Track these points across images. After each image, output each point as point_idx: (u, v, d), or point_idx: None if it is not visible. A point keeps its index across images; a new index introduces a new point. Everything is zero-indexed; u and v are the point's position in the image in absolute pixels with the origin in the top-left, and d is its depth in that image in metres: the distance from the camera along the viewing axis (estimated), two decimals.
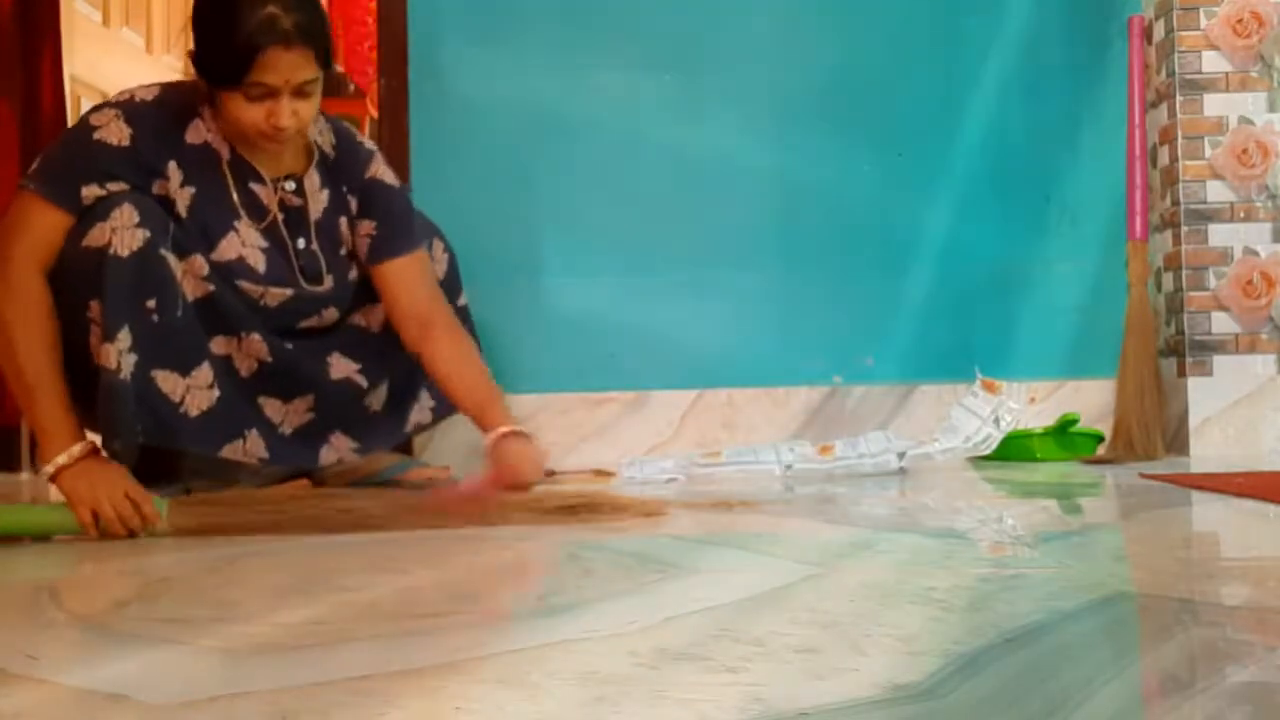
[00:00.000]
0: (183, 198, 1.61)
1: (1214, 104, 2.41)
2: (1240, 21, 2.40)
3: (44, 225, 1.54)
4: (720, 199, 2.59)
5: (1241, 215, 2.40)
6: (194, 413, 1.57)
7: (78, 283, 1.52)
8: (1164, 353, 2.48)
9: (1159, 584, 0.92)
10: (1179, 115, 2.41)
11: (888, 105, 2.61)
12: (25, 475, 2.81)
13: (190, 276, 1.59)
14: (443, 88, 2.57)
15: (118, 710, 0.62)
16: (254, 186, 1.67)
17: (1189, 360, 2.38)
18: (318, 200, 1.73)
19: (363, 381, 1.79)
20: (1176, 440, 2.42)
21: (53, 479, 1.45)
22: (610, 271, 2.59)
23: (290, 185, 1.70)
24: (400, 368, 1.83)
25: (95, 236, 1.51)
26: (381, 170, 1.79)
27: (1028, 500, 1.66)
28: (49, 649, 0.78)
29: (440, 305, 1.78)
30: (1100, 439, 2.36)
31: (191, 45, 1.61)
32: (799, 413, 2.55)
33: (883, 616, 0.80)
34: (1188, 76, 2.41)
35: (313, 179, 1.72)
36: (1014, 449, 2.28)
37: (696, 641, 0.73)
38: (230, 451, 1.62)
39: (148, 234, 1.52)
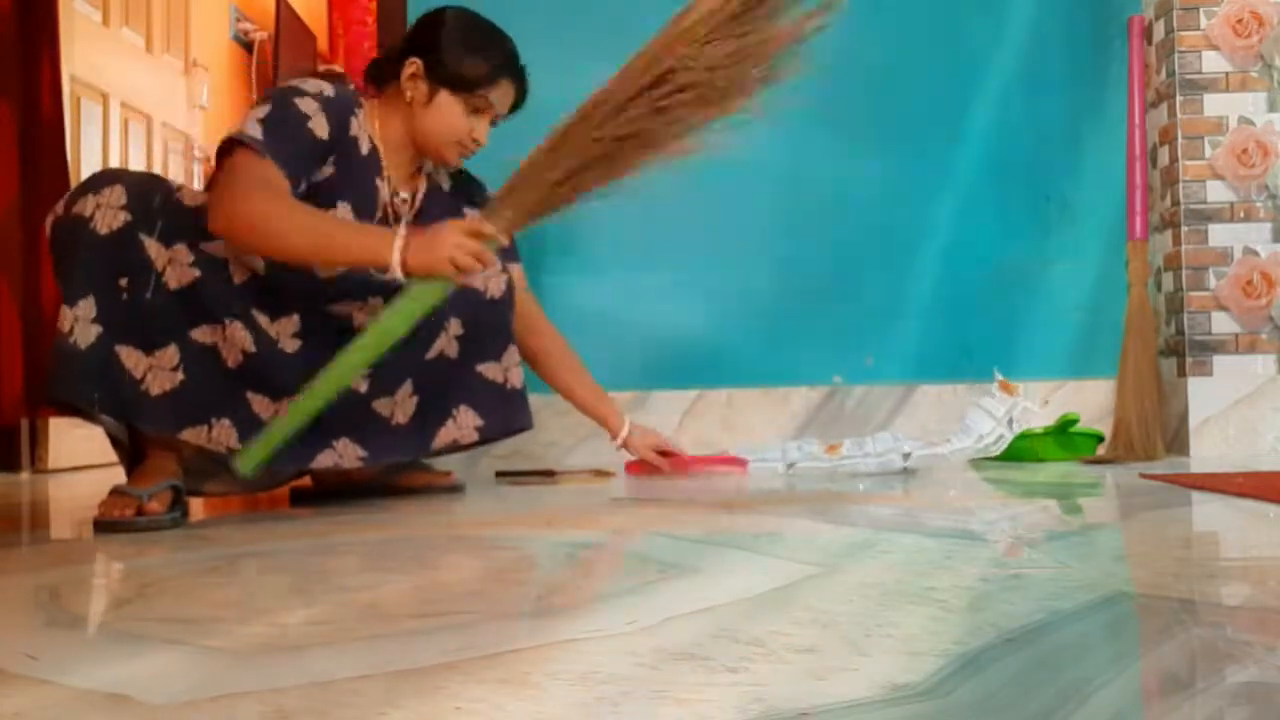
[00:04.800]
0: (325, 172, 1.71)
1: (1214, 104, 2.41)
2: (1240, 21, 2.40)
3: (270, 175, 1.59)
4: (720, 198, 2.59)
5: (1241, 215, 2.40)
6: (155, 391, 1.58)
7: (61, 247, 1.57)
8: (1164, 353, 2.48)
9: (1159, 584, 0.92)
10: (1179, 115, 2.41)
11: (888, 105, 2.61)
12: (25, 475, 2.81)
13: (176, 264, 1.60)
14: None
15: (118, 710, 0.62)
16: (377, 181, 1.80)
17: (1189, 360, 2.38)
18: (420, 215, 1.86)
19: (363, 387, 1.78)
20: (1176, 440, 2.42)
21: (403, 270, 1.55)
22: (610, 270, 2.59)
23: (404, 195, 1.85)
24: (436, 385, 1.83)
25: (81, 206, 1.56)
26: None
27: (1028, 500, 1.66)
28: (49, 649, 0.78)
29: (539, 310, 2.08)
30: (1100, 439, 2.36)
31: (416, 53, 1.79)
32: (799, 413, 2.55)
33: (883, 616, 0.80)
34: (1188, 76, 2.41)
35: (420, 193, 1.88)
36: (1014, 449, 2.28)
37: (696, 641, 0.73)
38: (192, 435, 1.60)
39: (129, 218, 1.56)
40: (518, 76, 1.85)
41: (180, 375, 1.60)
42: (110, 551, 1.33)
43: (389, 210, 1.82)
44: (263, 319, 1.68)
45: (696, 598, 0.89)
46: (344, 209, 1.74)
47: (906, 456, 2.10)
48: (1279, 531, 1.25)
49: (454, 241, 1.55)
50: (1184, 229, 2.40)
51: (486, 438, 1.88)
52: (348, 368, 1.58)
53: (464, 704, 0.61)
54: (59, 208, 1.58)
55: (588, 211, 2.61)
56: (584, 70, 2.65)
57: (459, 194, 1.96)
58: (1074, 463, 2.25)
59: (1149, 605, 0.84)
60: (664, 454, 2.14)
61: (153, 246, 1.58)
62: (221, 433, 1.63)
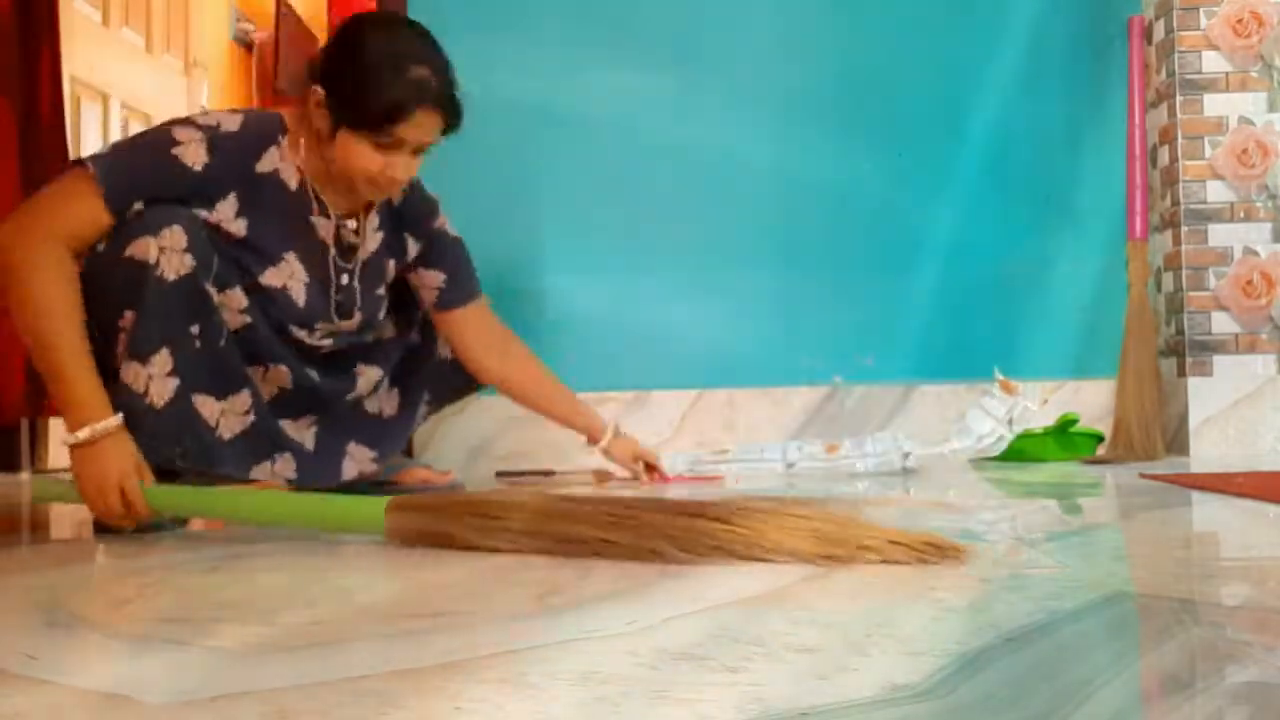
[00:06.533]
0: (236, 227, 1.58)
1: (1214, 104, 2.41)
2: (1240, 21, 2.40)
3: (85, 215, 1.46)
4: (721, 198, 2.59)
5: (1241, 215, 2.40)
6: (226, 436, 1.58)
7: (114, 288, 1.46)
8: (1164, 353, 2.48)
9: (1159, 584, 0.92)
10: (1179, 115, 2.41)
11: (889, 105, 2.61)
12: (25, 475, 2.81)
13: (227, 309, 1.58)
14: None
15: (118, 710, 0.62)
16: (314, 219, 1.65)
17: (1189, 360, 2.38)
18: (372, 240, 1.74)
19: (363, 388, 1.83)
20: (1176, 440, 2.42)
21: (72, 449, 1.39)
22: (610, 271, 2.59)
23: (351, 224, 1.70)
24: (409, 373, 1.94)
25: (140, 248, 1.45)
26: (445, 222, 1.86)
27: (1028, 500, 1.66)
28: (49, 649, 0.78)
29: (510, 333, 1.98)
30: (1100, 439, 2.36)
31: (320, 80, 1.56)
32: (799, 413, 2.55)
33: (883, 616, 0.80)
34: (1188, 76, 2.41)
35: (372, 220, 1.74)
36: (1014, 449, 2.28)
37: (696, 641, 0.73)
38: (259, 473, 1.64)
39: (194, 262, 1.48)
40: (438, 103, 1.56)
41: (251, 417, 1.61)
42: (110, 551, 1.33)
43: (336, 242, 1.69)
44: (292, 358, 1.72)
45: (696, 598, 0.89)
46: (291, 261, 1.64)
47: (906, 456, 2.10)
48: (1279, 531, 1.25)
49: (122, 481, 1.38)
50: (1184, 229, 2.40)
51: (433, 409, 2.01)
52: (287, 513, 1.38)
53: (464, 704, 0.61)
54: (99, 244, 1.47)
55: (588, 211, 2.62)
56: (585, 68, 2.65)
57: (403, 219, 1.80)
58: (1074, 463, 2.25)
59: (1149, 605, 0.84)
60: (648, 467, 2.06)
61: (211, 290, 1.53)
62: (284, 465, 1.68)
